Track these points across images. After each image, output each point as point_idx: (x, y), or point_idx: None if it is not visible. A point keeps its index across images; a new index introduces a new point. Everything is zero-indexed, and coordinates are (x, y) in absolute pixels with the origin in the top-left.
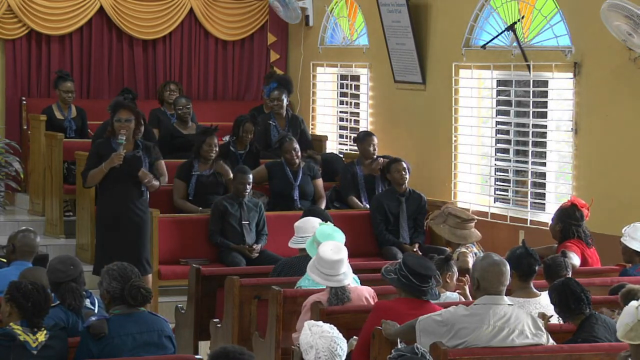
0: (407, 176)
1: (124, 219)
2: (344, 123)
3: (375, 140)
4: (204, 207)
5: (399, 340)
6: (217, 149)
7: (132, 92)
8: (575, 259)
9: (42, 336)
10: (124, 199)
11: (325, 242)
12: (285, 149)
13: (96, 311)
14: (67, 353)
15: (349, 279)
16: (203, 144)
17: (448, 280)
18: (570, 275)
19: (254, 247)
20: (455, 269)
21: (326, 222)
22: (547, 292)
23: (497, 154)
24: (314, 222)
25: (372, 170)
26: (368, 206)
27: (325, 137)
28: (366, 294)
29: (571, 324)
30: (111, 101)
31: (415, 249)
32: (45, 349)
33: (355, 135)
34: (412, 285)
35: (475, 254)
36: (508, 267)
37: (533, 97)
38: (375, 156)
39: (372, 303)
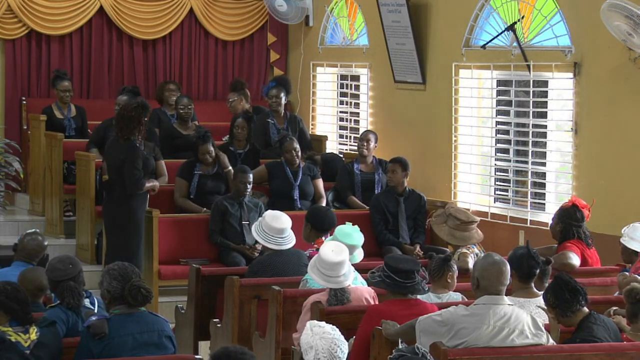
0: (402, 177)
1: (144, 217)
2: (344, 123)
3: (370, 137)
4: (204, 207)
5: (400, 341)
6: (213, 154)
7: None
8: (575, 259)
9: (33, 334)
10: (147, 199)
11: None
12: (285, 148)
13: (96, 311)
14: (61, 346)
15: (350, 281)
16: (197, 152)
17: (449, 280)
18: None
19: (256, 247)
20: (455, 268)
21: (329, 222)
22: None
23: (497, 154)
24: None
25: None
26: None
27: (325, 137)
28: (366, 294)
29: (569, 324)
30: (132, 102)
31: (416, 250)
32: (38, 346)
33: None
34: (396, 283)
35: (477, 254)
36: (508, 266)
37: (533, 97)
38: (368, 154)
39: (373, 303)
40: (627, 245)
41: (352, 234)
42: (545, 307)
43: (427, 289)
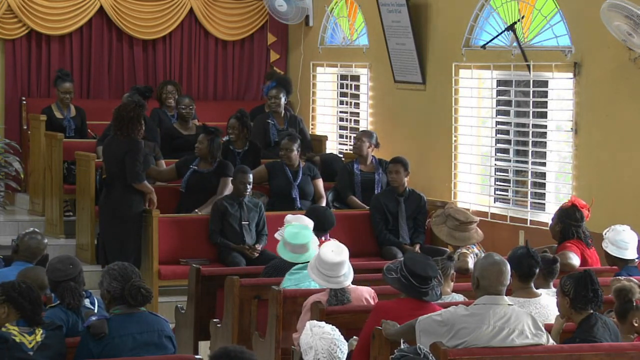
0: (404, 177)
1: (142, 213)
2: (344, 123)
3: (363, 137)
4: (192, 205)
5: (402, 341)
6: (202, 145)
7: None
8: (575, 259)
9: (38, 336)
10: (145, 198)
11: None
12: (281, 146)
13: (96, 311)
14: (65, 351)
15: (349, 281)
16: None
17: (452, 280)
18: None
19: (256, 247)
20: (453, 270)
21: (328, 222)
22: (546, 291)
23: (497, 154)
24: (304, 220)
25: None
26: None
27: (325, 137)
28: (366, 294)
29: (570, 318)
30: (129, 102)
31: (416, 250)
32: (42, 348)
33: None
34: (412, 286)
35: (476, 254)
36: (508, 267)
37: (533, 97)
38: (366, 154)
39: (372, 303)
40: (609, 252)
41: (300, 232)
42: (557, 292)
43: (439, 293)
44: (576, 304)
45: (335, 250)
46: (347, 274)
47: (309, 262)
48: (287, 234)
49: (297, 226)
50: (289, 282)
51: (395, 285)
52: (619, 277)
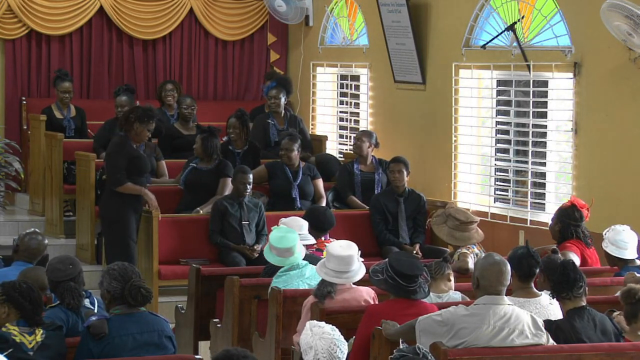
0: (405, 177)
1: (133, 214)
2: (344, 123)
3: (363, 137)
4: (191, 202)
5: (401, 341)
6: (198, 147)
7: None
8: (575, 260)
9: (38, 336)
10: (139, 198)
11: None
12: (281, 146)
13: (96, 311)
14: (65, 351)
15: (356, 278)
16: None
17: (449, 280)
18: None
19: (255, 247)
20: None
21: (327, 222)
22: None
23: (497, 154)
24: (299, 221)
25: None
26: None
27: (325, 137)
28: (365, 295)
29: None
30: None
31: (416, 250)
32: (42, 348)
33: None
34: (399, 286)
35: (477, 254)
36: (508, 267)
37: (533, 97)
38: (365, 153)
39: (373, 304)
40: (608, 252)
41: (285, 235)
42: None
43: (427, 289)
44: (561, 288)
45: (344, 246)
46: (356, 270)
47: (295, 264)
48: (272, 238)
49: (283, 229)
50: (277, 285)
51: (382, 286)
52: (634, 273)
